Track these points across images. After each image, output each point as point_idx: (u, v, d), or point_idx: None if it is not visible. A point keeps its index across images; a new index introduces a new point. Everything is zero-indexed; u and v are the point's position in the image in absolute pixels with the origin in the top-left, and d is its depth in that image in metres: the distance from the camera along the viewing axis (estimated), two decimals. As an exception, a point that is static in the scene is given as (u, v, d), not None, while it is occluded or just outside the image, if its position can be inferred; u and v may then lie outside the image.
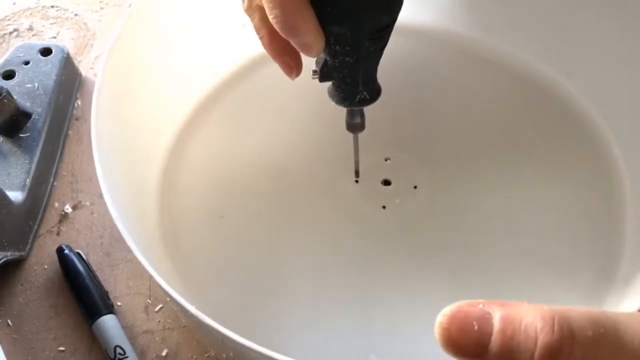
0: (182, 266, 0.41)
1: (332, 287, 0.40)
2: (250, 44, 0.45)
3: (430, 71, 0.49)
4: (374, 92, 0.36)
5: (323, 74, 0.35)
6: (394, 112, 0.45)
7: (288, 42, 0.33)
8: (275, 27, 0.31)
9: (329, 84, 0.36)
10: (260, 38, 0.36)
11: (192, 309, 0.30)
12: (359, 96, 0.36)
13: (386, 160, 0.44)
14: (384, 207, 0.43)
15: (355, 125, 0.39)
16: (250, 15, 0.35)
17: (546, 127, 0.46)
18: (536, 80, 0.47)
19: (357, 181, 0.43)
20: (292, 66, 0.37)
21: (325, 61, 0.34)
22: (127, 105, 0.42)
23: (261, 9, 0.32)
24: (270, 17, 0.31)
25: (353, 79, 0.34)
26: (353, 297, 0.39)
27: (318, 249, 0.41)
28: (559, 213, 0.42)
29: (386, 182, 0.44)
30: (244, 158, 0.45)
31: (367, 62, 0.34)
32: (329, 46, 0.32)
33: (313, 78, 0.35)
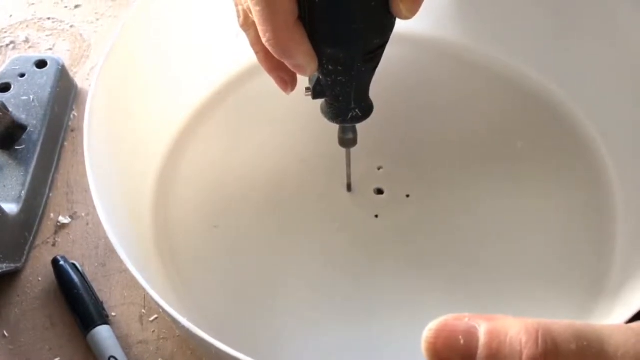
0: (176, 276, 0.41)
1: (326, 297, 0.40)
2: (243, 55, 0.45)
3: (422, 79, 0.49)
4: (366, 109, 0.37)
5: (316, 91, 0.35)
6: (386, 121, 0.45)
7: None
8: (268, 48, 0.31)
9: (321, 100, 0.37)
10: (256, 53, 0.36)
11: (183, 321, 0.30)
12: (351, 113, 0.36)
13: (379, 169, 0.45)
14: (376, 216, 0.43)
15: (347, 140, 0.40)
16: (245, 31, 0.36)
17: (537, 134, 0.46)
18: (527, 88, 0.48)
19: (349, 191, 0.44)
20: (287, 81, 0.37)
21: (318, 79, 0.34)
22: (120, 116, 0.42)
23: (256, 26, 0.32)
24: (263, 40, 0.31)
25: (345, 97, 0.35)
26: (348, 306, 0.39)
27: (312, 258, 0.41)
28: (550, 222, 0.42)
29: (379, 191, 0.44)
30: (238, 168, 0.45)
31: (360, 80, 0.34)
32: (321, 66, 0.33)
33: (306, 95, 0.36)
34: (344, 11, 0.30)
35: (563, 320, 0.21)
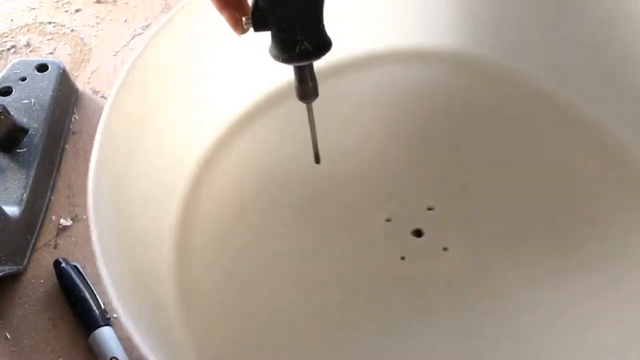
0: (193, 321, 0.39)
1: (345, 335, 0.37)
2: (263, 82, 0.44)
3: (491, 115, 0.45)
4: (318, 44, 0.31)
5: (256, 18, 0.31)
6: (447, 158, 0.41)
7: None
8: None
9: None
10: None
11: None
12: (298, 47, 0.31)
13: (429, 209, 0.41)
14: (402, 257, 0.39)
15: (305, 90, 0.34)
16: None
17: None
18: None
19: (317, 163, 0.39)
20: (238, 19, 0.34)
21: (257, 2, 0.30)
22: (136, 141, 0.40)
23: None
24: None
25: (289, 23, 0.30)
26: (361, 340, 0.37)
27: (329, 293, 0.39)
28: (602, 312, 0.37)
29: (417, 233, 0.40)
30: (264, 195, 0.43)
31: (304, 2, 0.30)
32: None
33: (246, 25, 0.32)
34: None
35: None
